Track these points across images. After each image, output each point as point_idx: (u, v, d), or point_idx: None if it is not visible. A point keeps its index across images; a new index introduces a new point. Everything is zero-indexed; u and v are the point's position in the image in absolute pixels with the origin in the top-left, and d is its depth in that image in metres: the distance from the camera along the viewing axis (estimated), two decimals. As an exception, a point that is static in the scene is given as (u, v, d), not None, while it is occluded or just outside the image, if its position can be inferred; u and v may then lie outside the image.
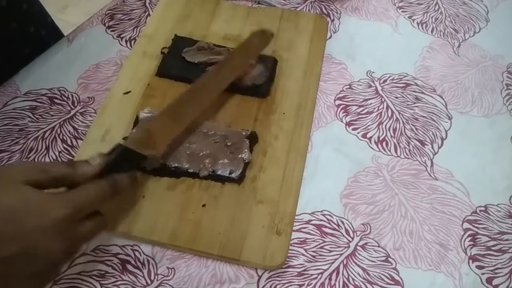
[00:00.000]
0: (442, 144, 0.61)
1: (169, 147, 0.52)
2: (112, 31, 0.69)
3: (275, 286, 0.49)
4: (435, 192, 0.56)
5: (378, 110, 0.63)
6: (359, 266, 0.51)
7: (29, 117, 0.59)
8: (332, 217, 0.54)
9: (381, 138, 0.60)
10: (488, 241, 0.53)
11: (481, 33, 0.73)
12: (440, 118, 0.63)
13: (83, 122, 0.59)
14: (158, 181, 0.53)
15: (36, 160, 0.56)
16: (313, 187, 0.55)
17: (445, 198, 0.56)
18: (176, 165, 0.53)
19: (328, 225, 0.53)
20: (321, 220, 0.53)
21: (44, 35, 0.72)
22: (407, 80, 0.67)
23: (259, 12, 0.71)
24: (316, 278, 0.50)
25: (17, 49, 0.68)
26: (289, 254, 0.50)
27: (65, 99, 0.61)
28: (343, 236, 0.53)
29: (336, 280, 0.50)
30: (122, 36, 0.69)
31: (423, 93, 0.65)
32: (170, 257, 0.50)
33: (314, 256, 0.51)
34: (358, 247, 0.52)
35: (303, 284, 0.49)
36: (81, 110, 0.60)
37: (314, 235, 0.52)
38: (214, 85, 0.57)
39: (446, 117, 0.63)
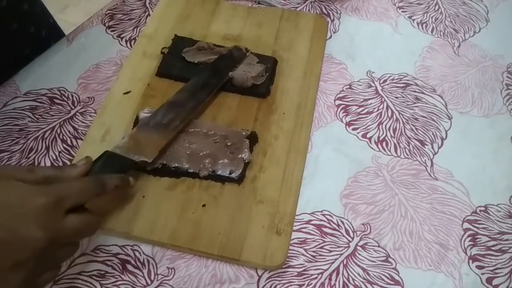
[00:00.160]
0: (442, 144, 0.61)
1: (161, 153, 0.53)
2: (112, 31, 0.69)
3: (275, 286, 0.49)
4: (435, 192, 0.56)
5: (378, 110, 0.63)
6: (359, 266, 0.51)
7: (29, 117, 0.59)
8: (332, 217, 0.54)
9: (381, 138, 0.60)
10: (488, 241, 0.53)
11: (481, 33, 0.73)
12: (440, 118, 0.63)
13: (83, 122, 0.59)
14: (158, 181, 0.53)
15: (36, 160, 0.56)
16: (313, 187, 0.55)
17: (445, 198, 0.56)
18: (176, 165, 0.53)
19: (328, 225, 0.53)
20: (321, 220, 0.53)
21: (44, 35, 0.72)
22: (407, 80, 0.67)
23: (259, 12, 0.71)
24: (316, 278, 0.50)
25: (18, 49, 0.68)
26: (289, 254, 0.50)
27: (65, 99, 0.61)
28: (343, 236, 0.53)
29: (336, 280, 0.50)
30: (122, 36, 0.69)
31: (423, 93, 0.65)
32: (170, 257, 0.50)
33: (314, 256, 0.51)
34: (358, 247, 0.52)
35: (303, 284, 0.49)
36: (81, 110, 0.60)
37: (314, 235, 0.52)
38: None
39: (446, 117, 0.63)
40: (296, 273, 0.50)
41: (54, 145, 0.57)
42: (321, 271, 0.50)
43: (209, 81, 0.60)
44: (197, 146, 0.55)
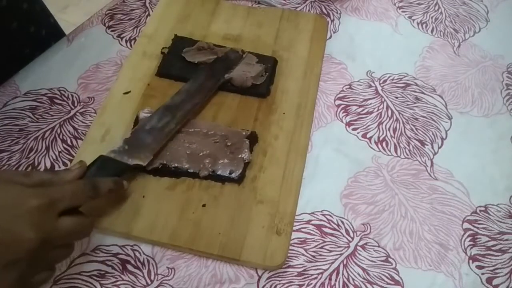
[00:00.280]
0: (442, 144, 0.61)
1: (156, 156, 0.53)
2: (112, 31, 0.69)
3: (275, 286, 0.49)
4: (435, 192, 0.56)
5: (378, 110, 0.63)
6: (359, 266, 0.51)
7: (29, 117, 0.59)
8: (332, 217, 0.54)
9: (381, 138, 0.60)
10: (488, 241, 0.53)
11: (481, 33, 0.73)
12: (440, 118, 0.63)
13: (83, 122, 0.59)
14: (158, 181, 0.53)
15: (36, 160, 0.56)
16: (313, 187, 0.55)
17: (445, 198, 0.56)
18: (176, 165, 0.53)
19: (328, 225, 0.53)
20: (321, 220, 0.53)
21: (45, 35, 0.72)
22: (407, 80, 0.67)
23: (259, 12, 0.71)
24: (316, 278, 0.50)
25: (18, 48, 0.68)
26: (289, 254, 0.50)
27: (65, 99, 0.61)
28: (343, 236, 0.53)
29: (336, 280, 0.50)
30: (122, 36, 0.69)
31: (423, 93, 0.65)
32: (170, 257, 0.50)
33: (314, 256, 0.51)
34: (358, 247, 0.52)
35: (303, 284, 0.49)
36: (81, 110, 0.60)
37: (314, 235, 0.52)
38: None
39: (446, 117, 0.63)
40: (296, 273, 0.50)
41: (54, 145, 0.57)
42: (321, 271, 0.50)
43: (204, 84, 0.60)
44: (197, 146, 0.55)
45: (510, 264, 0.52)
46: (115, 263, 0.49)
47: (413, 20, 0.74)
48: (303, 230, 0.53)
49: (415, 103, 0.64)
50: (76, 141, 0.58)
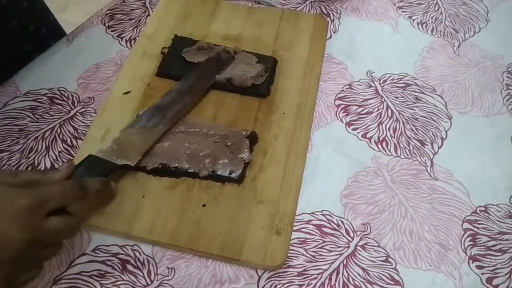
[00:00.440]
0: (442, 144, 0.61)
1: (144, 156, 0.53)
2: (112, 31, 0.69)
3: (275, 286, 0.49)
4: (435, 192, 0.56)
5: (378, 110, 0.63)
6: (359, 266, 0.51)
7: (29, 117, 0.59)
8: (332, 217, 0.54)
9: (381, 138, 0.60)
10: (488, 241, 0.53)
11: (481, 33, 0.73)
12: (440, 118, 0.63)
13: (83, 122, 0.59)
14: (158, 181, 0.53)
15: (36, 160, 0.56)
16: (313, 187, 0.55)
17: (445, 198, 0.56)
18: (176, 165, 0.53)
19: (328, 225, 0.53)
20: (321, 220, 0.53)
21: (45, 33, 0.72)
22: (407, 80, 0.67)
23: (259, 12, 0.71)
24: (316, 278, 0.50)
25: (18, 46, 0.68)
26: (289, 254, 0.50)
27: (65, 99, 0.61)
28: (343, 236, 0.53)
29: (336, 280, 0.50)
30: (122, 36, 0.69)
31: (423, 93, 0.65)
32: (170, 257, 0.50)
33: (314, 256, 0.51)
34: (358, 247, 0.52)
35: (303, 284, 0.49)
36: (81, 110, 0.60)
37: (314, 235, 0.52)
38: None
39: (446, 117, 0.63)
40: (296, 273, 0.50)
41: (54, 145, 0.57)
42: (321, 271, 0.50)
43: (195, 84, 0.60)
44: (197, 146, 0.55)
45: (510, 264, 0.52)
46: (115, 263, 0.49)
47: (413, 20, 0.74)
48: (303, 230, 0.53)
49: (415, 103, 0.64)
50: (76, 141, 0.58)
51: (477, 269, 0.51)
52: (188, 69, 0.62)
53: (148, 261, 0.50)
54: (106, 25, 0.70)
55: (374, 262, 0.51)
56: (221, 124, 0.58)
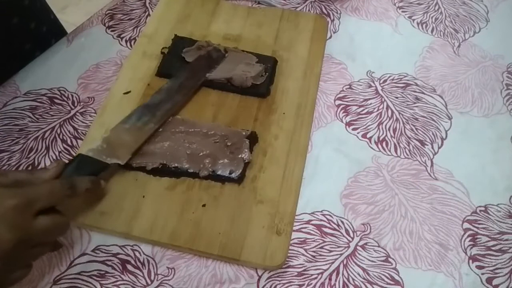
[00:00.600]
0: (442, 144, 0.61)
1: (134, 155, 0.53)
2: (112, 31, 0.69)
3: (275, 286, 0.49)
4: (435, 192, 0.56)
5: (378, 110, 0.63)
6: (359, 266, 0.51)
7: (29, 117, 0.59)
8: (332, 217, 0.54)
9: (381, 138, 0.60)
10: (488, 241, 0.53)
11: (481, 33, 0.73)
12: (440, 118, 0.63)
13: (83, 122, 0.59)
14: (158, 181, 0.53)
15: (36, 160, 0.56)
16: (313, 187, 0.55)
17: (445, 198, 0.56)
18: (176, 165, 0.53)
19: (328, 225, 0.53)
20: (321, 220, 0.53)
21: (45, 31, 0.72)
22: (407, 80, 0.67)
23: (259, 12, 0.71)
24: (316, 278, 0.50)
25: (18, 45, 0.68)
26: (289, 254, 0.50)
27: (65, 99, 0.61)
28: (343, 236, 0.53)
29: (336, 280, 0.50)
30: (122, 36, 0.69)
31: (423, 93, 0.65)
32: (170, 257, 0.50)
33: (314, 256, 0.51)
34: (358, 247, 0.52)
35: (303, 284, 0.49)
36: (81, 110, 0.60)
37: (314, 235, 0.52)
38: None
39: (446, 117, 0.63)
40: (296, 273, 0.50)
41: (54, 145, 0.57)
42: (321, 271, 0.50)
43: (185, 83, 0.60)
44: (197, 146, 0.55)
45: (510, 264, 0.52)
46: (115, 263, 0.49)
47: (413, 20, 0.74)
48: (303, 230, 0.53)
49: (415, 103, 0.64)
50: (76, 141, 0.58)
51: (477, 269, 0.51)
52: (188, 69, 0.62)
53: (148, 261, 0.50)
54: (106, 25, 0.70)
55: (374, 262, 0.51)
56: (221, 124, 0.58)
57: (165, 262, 0.50)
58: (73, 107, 0.61)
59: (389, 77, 0.67)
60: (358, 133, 0.61)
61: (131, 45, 0.67)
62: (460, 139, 0.61)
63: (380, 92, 0.65)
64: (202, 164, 0.54)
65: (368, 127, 0.61)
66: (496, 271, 0.51)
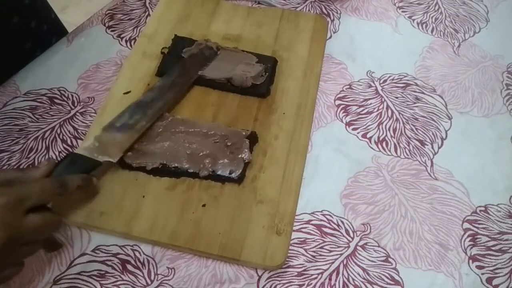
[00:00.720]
0: (442, 144, 0.61)
1: (126, 153, 0.53)
2: (112, 31, 0.69)
3: (275, 286, 0.49)
4: (435, 192, 0.56)
5: (378, 110, 0.63)
6: (359, 266, 0.51)
7: (29, 117, 0.59)
8: (332, 217, 0.54)
9: (381, 138, 0.60)
10: (488, 241, 0.53)
11: (481, 33, 0.73)
12: (440, 118, 0.63)
13: (83, 122, 0.59)
14: (158, 181, 0.53)
15: (36, 160, 0.56)
16: (313, 187, 0.55)
17: (445, 198, 0.56)
18: (176, 165, 0.53)
19: (328, 225, 0.53)
20: (321, 220, 0.53)
21: (46, 30, 0.72)
22: (407, 80, 0.67)
23: (259, 12, 0.71)
24: (316, 278, 0.50)
25: (18, 44, 0.68)
26: (289, 254, 0.50)
27: (65, 99, 0.61)
28: (343, 236, 0.53)
29: (336, 280, 0.50)
30: (122, 36, 0.69)
31: (423, 93, 0.65)
32: (170, 257, 0.50)
33: (314, 256, 0.51)
34: (358, 247, 0.52)
35: (303, 284, 0.49)
36: (81, 110, 0.60)
37: (314, 235, 0.52)
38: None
39: (446, 117, 0.63)
40: (296, 273, 0.50)
41: (54, 145, 0.57)
42: (321, 271, 0.50)
43: (177, 80, 0.60)
44: (197, 146, 0.55)
45: (510, 264, 0.52)
46: (115, 263, 0.49)
47: (413, 20, 0.74)
48: (303, 230, 0.53)
49: (415, 103, 0.64)
50: (76, 141, 0.58)
51: (477, 269, 0.51)
52: (188, 69, 0.62)
53: (148, 261, 0.50)
54: (106, 25, 0.70)
55: (374, 262, 0.51)
56: (221, 124, 0.58)
57: (165, 262, 0.50)
58: (73, 107, 0.61)
59: (389, 77, 0.67)
60: (358, 133, 0.61)
61: (131, 45, 0.67)
62: (460, 139, 0.61)
63: (380, 92, 0.65)
64: (202, 164, 0.54)
65: (368, 127, 0.61)
66: (496, 271, 0.51)
